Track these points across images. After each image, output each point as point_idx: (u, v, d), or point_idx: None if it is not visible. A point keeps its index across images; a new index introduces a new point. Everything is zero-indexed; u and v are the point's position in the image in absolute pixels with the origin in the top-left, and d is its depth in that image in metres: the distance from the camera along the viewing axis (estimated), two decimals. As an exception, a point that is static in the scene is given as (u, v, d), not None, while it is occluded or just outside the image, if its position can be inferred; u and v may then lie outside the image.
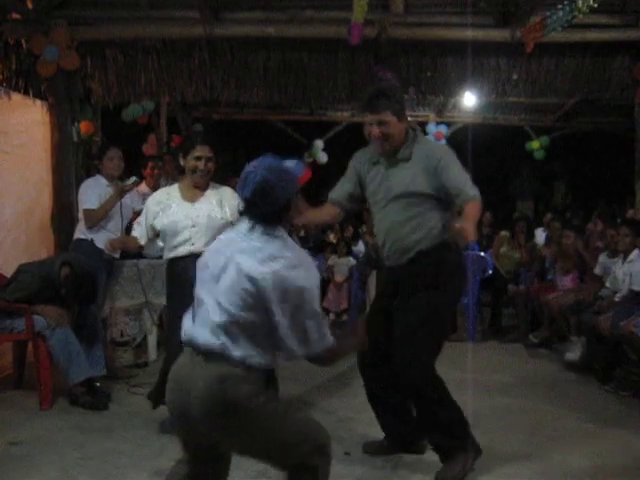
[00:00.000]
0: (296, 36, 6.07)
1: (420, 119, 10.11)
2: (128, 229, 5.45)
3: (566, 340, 5.96)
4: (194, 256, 3.66)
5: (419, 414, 3.51)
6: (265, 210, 2.31)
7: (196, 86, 6.45)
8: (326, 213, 3.78)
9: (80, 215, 5.27)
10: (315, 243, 8.76)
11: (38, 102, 6.15)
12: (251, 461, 3.58)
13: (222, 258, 2.32)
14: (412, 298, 3.42)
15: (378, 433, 3.89)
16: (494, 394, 4.78)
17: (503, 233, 7.91)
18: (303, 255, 2.34)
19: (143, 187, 6.26)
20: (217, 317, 2.26)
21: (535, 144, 10.81)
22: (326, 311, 7.74)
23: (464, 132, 9.68)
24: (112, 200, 5.05)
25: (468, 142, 7.40)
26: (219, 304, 2.27)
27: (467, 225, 3.06)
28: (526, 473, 3.48)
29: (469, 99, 8.02)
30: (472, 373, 4.94)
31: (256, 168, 2.33)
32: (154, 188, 6.19)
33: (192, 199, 4.02)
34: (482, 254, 7.49)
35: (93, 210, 5.04)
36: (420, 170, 3.38)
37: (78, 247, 5.13)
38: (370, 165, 3.58)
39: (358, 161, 3.66)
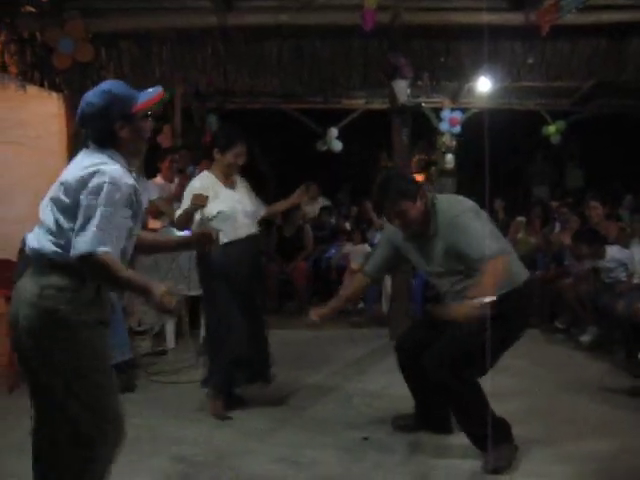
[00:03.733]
0: (309, 23, 6.05)
1: (434, 105, 10.07)
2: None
3: (581, 325, 5.96)
4: (250, 237, 4.18)
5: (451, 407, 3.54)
6: (93, 132, 2.39)
7: (210, 76, 6.44)
8: (357, 288, 4.05)
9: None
10: (331, 231, 8.76)
11: (54, 94, 6.18)
12: (272, 446, 3.67)
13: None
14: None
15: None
16: (510, 378, 4.77)
17: (519, 219, 7.88)
18: (117, 169, 2.31)
19: (159, 179, 6.31)
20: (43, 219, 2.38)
21: (551, 128, 10.72)
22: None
23: (479, 118, 9.61)
24: None
25: (483, 128, 7.32)
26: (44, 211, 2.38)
27: (462, 306, 3.06)
28: (542, 457, 3.49)
29: (484, 84, 7.96)
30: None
31: (88, 93, 2.42)
32: (170, 181, 6.27)
33: (232, 187, 4.26)
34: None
35: None
36: (448, 245, 3.36)
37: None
38: (403, 239, 3.60)
39: (391, 232, 3.68)
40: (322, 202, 9.84)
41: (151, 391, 4.69)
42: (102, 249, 2.21)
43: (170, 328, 5.80)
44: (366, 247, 7.77)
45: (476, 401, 3.37)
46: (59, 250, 2.30)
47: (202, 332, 5.49)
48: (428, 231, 3.44)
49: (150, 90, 2.48)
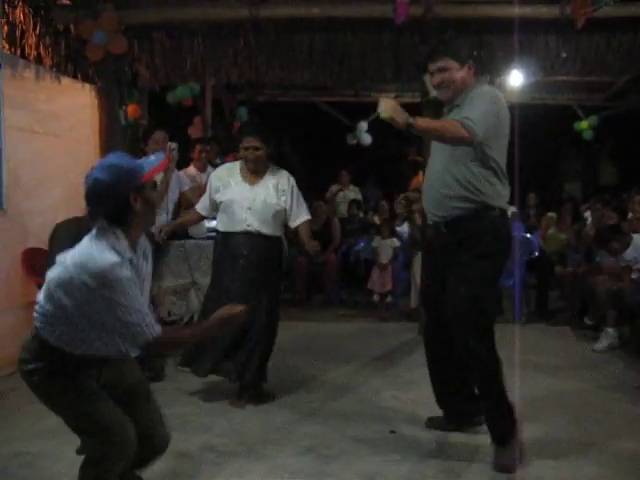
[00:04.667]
0: (341, 16, 6.03)
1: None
2: (175, 212, 5.53)
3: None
4: (249, 235, 4.15)
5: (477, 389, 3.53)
6: (104, 209, 2.34)
7: (241, 68, 6.45)
8: None
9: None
10: (360, 224, 8.76)
11: (87, 86, 6.25)
12: (300, 438, 3.68)
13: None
14: (457, 269, 3.36)
15: (423, 412, 3.91)
16: (541, 376, 4.74)
17: (550, 214, 7.82)
18: (112, 265, 2.27)
19: (191, 169, 6.33)
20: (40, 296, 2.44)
21: (584, 124, 10.58)
22: (370, 292, 7.75)
23: (510, 112, 9.50)
24: (168, 174, 5.11)
25: (515, 122, 7.25)
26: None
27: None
28: (574, 456, 3.45)
29: (516, 78, 7.87)
30: (519, 354, 4.89)
31: (92, 169, 2.35)
32: (201, 170, 6.28)
33: (251, 181, 4.26)
34: (528, 235, 7.40)
35: None
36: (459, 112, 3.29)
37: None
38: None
39: None
40: (353, 190, 9.87)
41: (180, 381, 4.72)
42: (154, 333, 2.34)
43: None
44: (395, 241, 7.76)
45: (497, 376, 3.34)
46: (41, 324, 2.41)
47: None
48: (453, 102, 3.40)
49: (152, 158, 2.49)
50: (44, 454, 3.43)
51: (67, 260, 2.34)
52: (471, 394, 3.65)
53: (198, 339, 2.62)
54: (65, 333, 2.39)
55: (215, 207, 4.32)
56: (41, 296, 2.43)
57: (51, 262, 3.05)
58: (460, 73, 3.37)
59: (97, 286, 2.25)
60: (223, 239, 4.28)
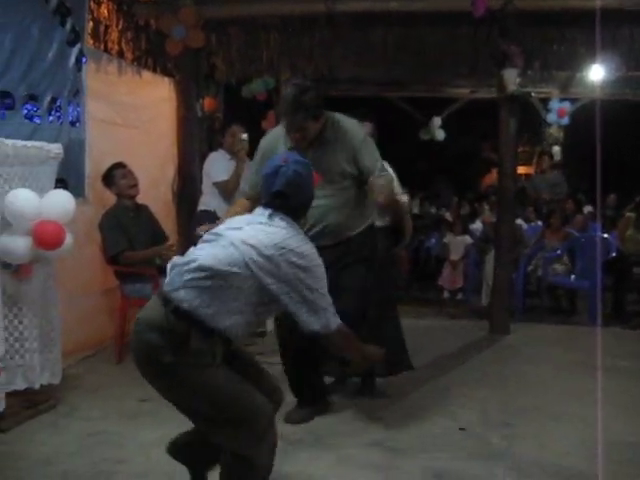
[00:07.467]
0: (419, 10, 5.97)
1: (542, 95, 9.75)
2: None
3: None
4: None
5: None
6: (295, 203, 2.44)
7: (316, 62, 6.49)
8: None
9: (204, 187, 5.46)
10: (431, 221, 8.69)
11: (166, 79, 6.40)
12: (366, 430, 3.69)
13: (236, 225, 2.44)
14: (347, 272, 3.58)
15: (492, 411, 3.86)
16: (614, 379, 4.58)
17: (628, 214, 7.57)
18: (312, 253, 2.38)
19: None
20: (194, 264, 2.33)
21: (668, 121, 10.18)
22: (440, 289, 7.68)
23: (590, 109, 9.24)
24: (240, 167, 5.24)
25: (595, 119, 7.05)
26: (205, 256, 2.34)
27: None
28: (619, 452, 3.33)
29: (597, 73, 7.63)
30: (592, 357, 4.76)
31: (287, 162, 2.44)
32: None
33: None
34: (605, 236, 7.19)
35: (227, 181, 5.27)
36: (344, 150, 3.53)
37: (201, 218, 5.31)
38: (285, 147, 3.58)
39: (270, 143, 3.72)
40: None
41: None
42: (335, 324, 2.40)
43: (269, 310, 5.89)
44: (467, 238, 7.66)
45: None
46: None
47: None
48: (323, 139, 3.53)
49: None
50: (120, 434, 3.54)
51: (257, 239, 2.31)
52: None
53: (362, 354, 2.62)
54: (227, 311, 2.31)
55: None
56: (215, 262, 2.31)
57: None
58: (316, 126, 3.50)
59: (298, 265, 2.30)
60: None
